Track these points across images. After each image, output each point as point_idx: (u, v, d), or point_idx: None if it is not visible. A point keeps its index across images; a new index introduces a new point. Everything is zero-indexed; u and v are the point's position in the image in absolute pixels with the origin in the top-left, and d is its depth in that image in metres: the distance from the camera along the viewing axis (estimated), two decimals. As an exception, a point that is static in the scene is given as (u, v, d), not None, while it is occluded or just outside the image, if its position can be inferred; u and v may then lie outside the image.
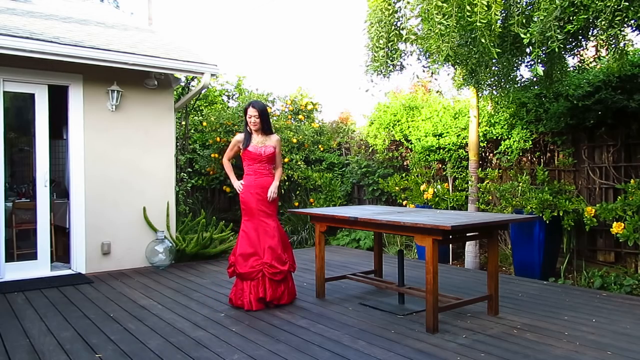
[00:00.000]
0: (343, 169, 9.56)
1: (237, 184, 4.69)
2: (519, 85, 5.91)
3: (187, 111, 8.53)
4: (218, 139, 8.56)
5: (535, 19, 4.13)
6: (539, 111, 6.49)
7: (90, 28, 6.68)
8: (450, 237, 3.92)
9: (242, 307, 4.40)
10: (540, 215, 5.66)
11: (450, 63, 5.50)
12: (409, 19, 4.72)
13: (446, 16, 4.21)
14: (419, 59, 5.59)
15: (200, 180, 9.16)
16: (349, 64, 29.96)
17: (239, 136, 4.70)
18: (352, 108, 19.24)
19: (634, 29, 4.45)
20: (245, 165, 4.66)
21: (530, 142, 6.61)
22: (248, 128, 4.61)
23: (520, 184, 6.12)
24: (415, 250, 7.40)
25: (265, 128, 4.61)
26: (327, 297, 4.83)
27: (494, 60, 5.34)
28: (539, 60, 5.01)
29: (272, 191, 4.63)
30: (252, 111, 4.54)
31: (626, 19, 3.85)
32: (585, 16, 3.87)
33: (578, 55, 5.45)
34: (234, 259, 4.52)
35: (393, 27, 5.03)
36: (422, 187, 7.20)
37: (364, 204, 9.09)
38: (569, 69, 5.66)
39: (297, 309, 4.44)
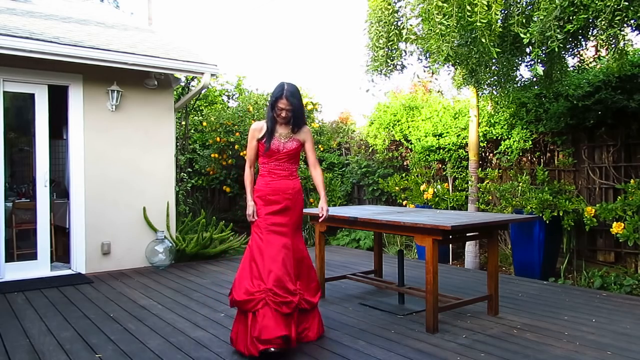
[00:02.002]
0: (343, 169, 9.56)
1: (251, 207, 3.56)
2: (519, 85, 5.91)
3: (187, 111, 8.53)
4: (218, 139, 8.56)
5: (535, 19, 4.13)
6: (539, 111, 6.49)
7: (90, 28, 6.68)
8: (450, 237, 3.92)
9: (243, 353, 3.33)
10: (540, 215, 5.66)
11: (450, 63, 5.50)
12: (409, 18, 4.72)
13: (446, 16, 4.21)
14: (419, 59, 5.59)
15: (200, 180, 9.16)
16: (349, 64, 29.97)
17: (257, 125, 3.61)
18: (352, 108, 19.24)
19: (633, 28, 4.45)
20: (260, 162, 3.65)
21: (530, 142, 6.61)
22: (272, 116, 3.54)
23: (520, 184, 6.12)
24: (415, 250, 7.40)
25: (296, 122, 3.56)
26: (327, 297, 4.82)
27: (494, 60, 5.34)
28: (539, 60, 5.01)
29: (324, 208, 3.69)
30: (284, 104, 3.46)
31: (626, 19, 3.85)
32: (585, 16, 3.87)
33: (578, 55, 5.45)
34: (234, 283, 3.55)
35: (393, 27, 5.03)
36: (422, 187, 7.20)
37: (364, 204, 9.09)
38: (569, 69, 5.66)
39: (297, 309, 4.44)
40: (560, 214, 5.67)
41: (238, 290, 3.39)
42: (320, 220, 3.72)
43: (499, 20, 4.23)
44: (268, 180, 3.56)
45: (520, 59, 5.45)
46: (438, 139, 7.56)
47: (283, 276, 3.33)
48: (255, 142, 3.59)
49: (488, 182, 6.54)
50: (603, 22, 3.87)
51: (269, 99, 3.57)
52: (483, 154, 7.38)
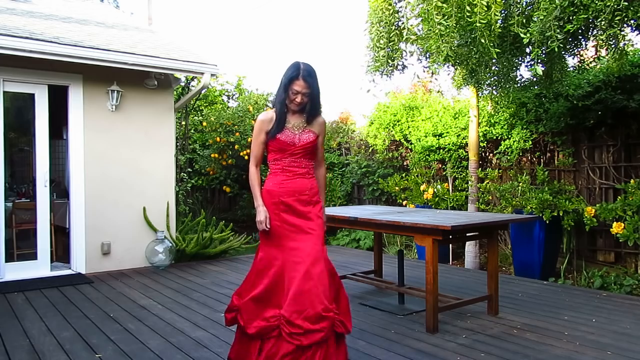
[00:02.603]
0: (343, 169, 9.56)
1: (262, 213, 2.92)
2: (519, 85, 5.91)
3: (187, 111, 8.53)
4: (218, 139, 8.56)
5: (535, 19, 4.13)
6: (539, 111, 6.49)
7: (90, 28, 6.68)
8: (450, 237, 3.92)
9: None
10: (540, 215, 5.66)
11: (450, 63, 5.50)
12: (409, 19, 4.71)
13: (446, 16, 4.21)
14: (419, 59, 5.59)
15: (200, 180, 9.17)
16: (349, 64, 29.96)
17: (266, 116, 3.01)
18: (352, 108, 19.22)
19: (633, 29, 4.45)
20: (271, 159, 3.05)
21: (530, 142, 6.61)
22: (284, 100, 2.94)
23: (520, 184, 6.12)
24: (415, 250, 7.40)
25: (312, 110, 2.99)
26: (327, 297, 4.82)
27: (493, 60, 5.34)
28: (539, 60, 5.01)
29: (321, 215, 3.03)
30: (300, 85, 2.88)
31: (626, 19, 3.85)
32: (585, 16, 3.87)
33: (578, 55, 5.45)
34: (239, 303, 2.93)
35: (394, 27, 5.03)
36: (422, 187, 7.20)
37: (364, 204, 9.08)
38: (568, 69, 5.66)
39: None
40: (560, 214, 5.67)
41: (246, 316, 2.83)
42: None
43: (498, 21, 4.23)
44: (281, 179, 2.97)
45: (520, 59, 5.45)
46: (438, 139, 7.56)
47: (308, 298, 2.70)
48: (264, 135, 2.98)
49: (488, 182, 6.54)
50: (603, 22, 3.87)
51: (282, 79, 2.95)
52: (483, 154, 7.38)
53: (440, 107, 7.80)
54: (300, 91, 2.89)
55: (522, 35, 4.17)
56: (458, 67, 5.83)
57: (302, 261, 2.78)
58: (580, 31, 4.66)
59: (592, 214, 5.43)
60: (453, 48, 4.46)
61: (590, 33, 4.80)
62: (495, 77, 5.83)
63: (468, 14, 4.13)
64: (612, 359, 3.25)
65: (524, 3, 4.44)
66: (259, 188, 3.01)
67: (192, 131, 9.35)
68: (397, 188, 7.67)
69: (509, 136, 6.83)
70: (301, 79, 2.87)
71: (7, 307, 4.51)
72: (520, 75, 5.80)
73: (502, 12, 4.48)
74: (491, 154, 7.31)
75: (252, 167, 3.04)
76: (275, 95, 3.02)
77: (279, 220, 2.92)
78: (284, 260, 2.84)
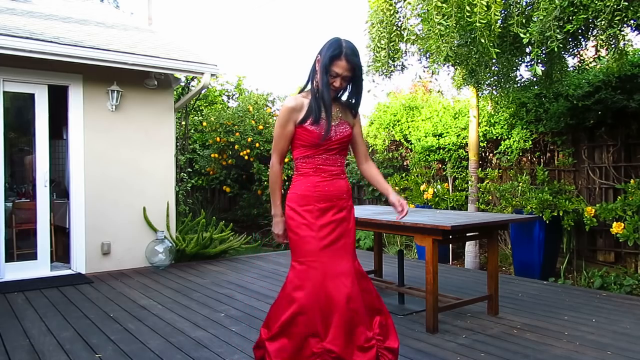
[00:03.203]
0: (343, 169, 9.55)
1: (280, 225, 2.61)
2: (518, 85, 5.92)
3: (187, 111, 8.54)
4: (218, 139, 8.57)
5: (535, 19, 4.13)
6: (539, 111, 6.49)
7: (90, 28, 6.68)
8: (450, 237, 3.91)
9: None
10: (540, 215, 5.66)
11: (450, 63, 5.50)
12: (409, 19, 4.72)
13: (446, 17, 4.21)
14: (419, 59, 5.60)
15: (200, 180, 9.17)
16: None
17: (295, 102, 2.52)
18: (352, 108, 19.19)
19: (633, 29, 4.45)
20: (299, 155, 2.56)
21: (530, 142, 6.61)
22: (327, 83, 2.47)
23: (520, 184, 6.12)
24: (415, 250, 7.40)
25: (357, 97, 2.59)
26: (327, 297, 4.81)
27: (493, 60, 5.34)
28: (539, 60, 5.01)
29: (403, 202, 2.63)
30: (342, 66, 2.43)
31: (625, 19, 3.85)
32: (585, 16, 3.87)
33: (578, 55, 5.46)
34: (266, 337, 2.53)
35: (394, 28, 5.03)
36: (422, 187, 7.21)
37: (364, 204, 9.08)
38: (568, 69, 5.66)
39: (297, 309, 4.43)
40: (560, 214, 5.67)
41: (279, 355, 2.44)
42: (400, 217, 2.64)
43: (498, 21, 4.23)
44: (316, 180, 2.49)
45: (520, 59, 5.45)
46: (438, 139, 7.56)
47: (354, 326, 2.35)
48: (293, 126, 2.49)
49: (488, 182, 6.54)
50: (603, 22, 3.87)
51: (320, 60, 2.47)
52: (483, 154, 7.38)
53: (440, 107, 7.80)
54: (341, 74, 2.44)
55: (522, 35, 4.17)
56: (458, 67, 5.83)
57: (342, 283, 2.40)
58: (580, 31, 4.66)
59: (592, 214, 5.44)
60: (453, 48, 4.46)
61: (590, 33, 4.80)
62: (495, 77, 5.83)
63: (468, 14, 4.13)
64: (612, 359, 3.25)
65: (524, 3, 4.44)
66: (280, 194, 2.58)
67: (192, 131, 9.35)
68: (397, 188, 7.66)
69: (509, 136, 6.83)
70: (344, 59, 2.41)
71: (7, 307, 4.51)
72: (520, 75, 5.81)
73: (502, 12, 4.48)
74: (491, 154, 7.31)
75: (275, 164, 2.57)
76: (311, 80, 2.55)
77: (313, 232, 2.47)
78: (319, 280, 2.41)
